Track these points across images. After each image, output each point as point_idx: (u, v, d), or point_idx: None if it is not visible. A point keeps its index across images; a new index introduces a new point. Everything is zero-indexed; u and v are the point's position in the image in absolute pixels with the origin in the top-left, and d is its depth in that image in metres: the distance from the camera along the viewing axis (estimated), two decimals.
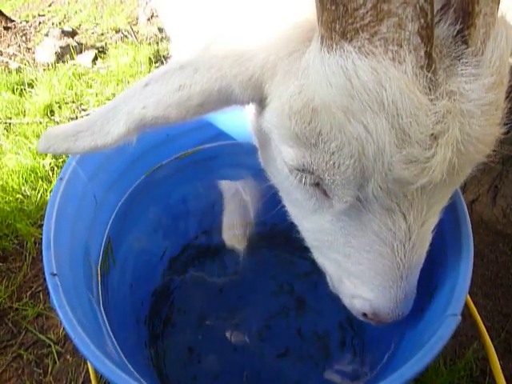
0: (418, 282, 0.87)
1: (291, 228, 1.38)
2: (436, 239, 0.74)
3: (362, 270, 0.76)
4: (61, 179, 0.80)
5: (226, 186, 1.26)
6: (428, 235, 0.72)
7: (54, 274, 0.67)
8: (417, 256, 0.71)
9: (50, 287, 0.66)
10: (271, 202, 1.33)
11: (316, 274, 1.36)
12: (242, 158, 1.22)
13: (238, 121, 1.15)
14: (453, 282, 0.72)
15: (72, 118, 3.05)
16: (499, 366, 0.75)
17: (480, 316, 1.83)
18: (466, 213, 0.84)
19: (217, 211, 1.34)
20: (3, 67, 4.57)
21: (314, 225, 0.80)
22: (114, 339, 0.83)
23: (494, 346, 1.66)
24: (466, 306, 0.85)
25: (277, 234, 1.38)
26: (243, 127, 1.17)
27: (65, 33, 4.91)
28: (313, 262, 1.35)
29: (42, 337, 1.63)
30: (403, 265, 0.71)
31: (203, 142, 1.14)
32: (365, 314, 0.81)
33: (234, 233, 1.39)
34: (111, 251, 1.00)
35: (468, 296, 0.81)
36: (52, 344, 1.61)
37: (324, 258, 0.87)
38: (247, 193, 1.29)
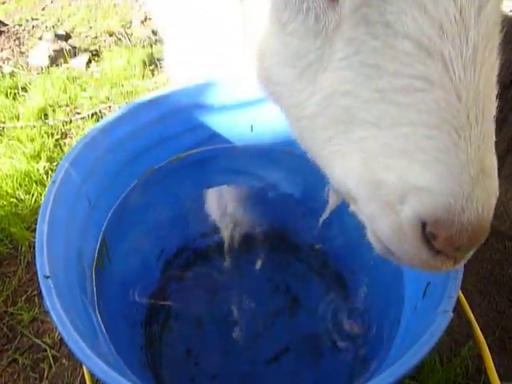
0: (410, 281, 0.87)
1: (286, 229, 1.39)
2: None
3: (405, 137, 0.51)
4: (54, 182, 0.80)
5: (215, 194, 1.27)
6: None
7: (47, 277, 0.67)
8: (486, 83, 0.49)
9: (43, 290, 0.66)
10: (267, 203, 1.34)
11: (311, 274, 1.36)
12: (236, 161, 1.23)
13: (232, 122, 1.16)
14: (445, 278, 0.72)
15: (66, 122, 3.05)
16: (492, 363, 0.75)
17: (475, 314, 1.84)
18: None
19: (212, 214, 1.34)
20: None
21: (322, 86, 0.57)
22: (108, 341, 0.83)
23: (489, 344, 1.67)
24: (460, 303, 0.85)
25: (272, 235, 1.39)
26: (238, 129, 1.18)
27: (58, 36, 4.90)
28: (308, 263, 1.37)
29: (38, 341, 1.63)
30: (467, 104, 0.48)
31: (197, 145, 1.14)
32: (423, 228, 0.52)
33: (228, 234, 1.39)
34: (106, 252, 1.00)
35: (461, 294, 0.81)
36: (48, 348, 1.60)
37: (344, 158, 0.58)
38: (241, 196, 1.29)
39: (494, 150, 0.53)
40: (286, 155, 1.19)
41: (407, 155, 0.51)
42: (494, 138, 0.53)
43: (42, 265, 0.68)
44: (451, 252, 0.53)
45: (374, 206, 0.56)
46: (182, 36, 1.10)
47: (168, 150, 1.10)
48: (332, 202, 0.81)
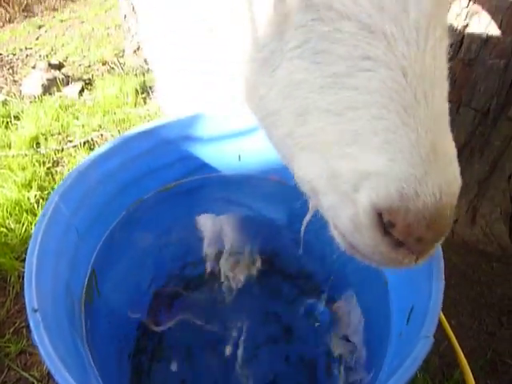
0: (396, 306, 0.88)
1: (276, 255, 1.41)
2: None
3: (357, 121, 0.50)
4: (44, 215, 0.82)
5: (206, 220, 1.29)
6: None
7: (36, 310, 0.68)
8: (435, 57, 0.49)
9: (31, 323, 0.67)
10: (256, 231, 1.35)
11: (301, 299, 1.37)
12: (225, 190, 1.26)
13: (220, 153, 1.19)
14: (426, 302, 0.74)
15: (58, 150, 3.07)
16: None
17: (466, 336, 1.85)
18: None
19: (202, 242, 1.36)
20: None
21: (279, 78, 0.58)
22: (97, 375, 0.83)
23: (481, 366, 1.68)
24: (443, 326, 0.86)
25: (263, 263, 1.40)
26: (226, 159, 1.21)
27: (52, 65, 4.97)
28: (299, 288, 1.38)
29: (25, 374, 1.59)
30: (412, 82, 0.47)
31: (186, 175, 1.17)
32: (380, 218, 0.50)
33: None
34: (96, 283, 1.00)
35: (443, 317, 0.83)
36: (35, 381, 1.57)
37: (305, 151, 0.58)
38: (231, 223, 1.31)
39: (449, 133, 0.51)
40: (273, 183, 1.22)
41: (359, 140, 0.50)
42: (447, 120, 0.52)
43: (31, 298, 0.69)
44: (413, 244, 0.51)
45: (333, 197, 0.55)
46: (179, 43, 1.09)
47: (157, 180, 1.12)
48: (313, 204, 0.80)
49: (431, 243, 0.52)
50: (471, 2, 1.62)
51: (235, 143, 1.16)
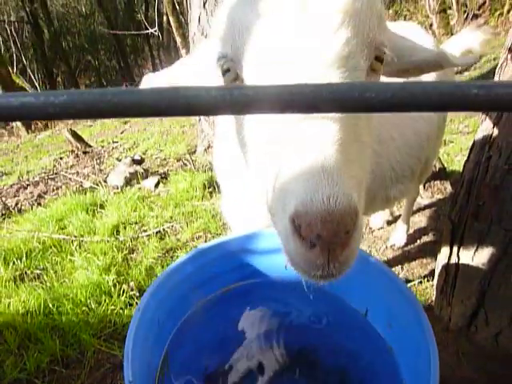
0: None
1: (319, 350, 1.58)
2: None
3: (286, 167, 0.79)
4: (138, 309, 1.13)
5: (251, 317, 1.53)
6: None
7: (131, 382, 0.95)
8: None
9: None
10: (296, 328, 1.56)
11: None
12: (273, 291, 1.52)
13: (271, 262, 1.47)
14: None
15: (134, 238, 3.49)
16: None
17: None
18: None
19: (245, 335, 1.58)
20: (78, 186, 5.34)
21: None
22: None
23: None
24: None
25: (305, 359, 1.58)
26: (275, 266, 1.49)
27: (134, 161, 5.72)
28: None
29: None
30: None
31: (242, 279, 1.46)
32: (299, 229, 0.70)
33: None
34: (167, 363, 1.26)
35: None
36: None
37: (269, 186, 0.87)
38: (274, 320, 1.54)
39: (338, 163, 0.73)
40: (313, 289, 1.46)
41: (283, 173, 0.78)
42: (337, 153, 0.74)
43: (128, 372, 0.97)
44: (316, 241, 0.70)
45: (277, 216, 0.81)
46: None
47: (219, 283, 1.42)
48: None
49: (330, 242, 0.70)
50: (491, 139, 1.88)
51: (282, 256, 1.44)
